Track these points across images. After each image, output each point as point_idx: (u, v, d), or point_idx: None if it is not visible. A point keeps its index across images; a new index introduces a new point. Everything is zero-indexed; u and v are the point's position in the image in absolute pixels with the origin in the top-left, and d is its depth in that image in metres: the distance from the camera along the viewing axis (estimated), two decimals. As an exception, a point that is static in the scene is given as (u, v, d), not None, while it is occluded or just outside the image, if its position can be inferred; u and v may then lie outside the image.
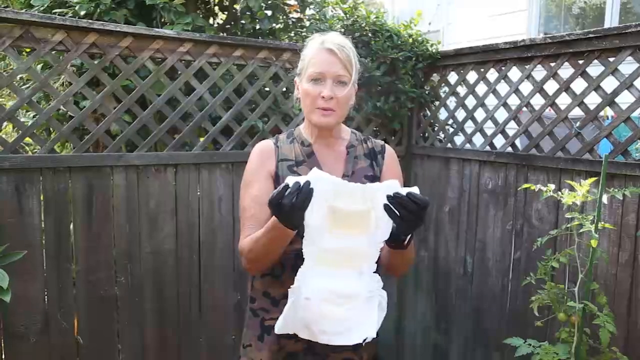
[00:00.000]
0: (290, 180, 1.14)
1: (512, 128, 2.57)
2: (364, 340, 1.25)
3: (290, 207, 1.12)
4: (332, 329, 1.24)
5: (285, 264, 1.38)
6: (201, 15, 2.79)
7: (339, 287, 1.22)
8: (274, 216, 1.20)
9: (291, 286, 1.24)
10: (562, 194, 1.79)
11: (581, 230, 1.73)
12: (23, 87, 2.42)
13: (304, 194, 1.13)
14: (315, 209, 1.16)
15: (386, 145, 1.55)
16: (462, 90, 2.88)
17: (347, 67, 1.37)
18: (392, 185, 1.17)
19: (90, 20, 2.12)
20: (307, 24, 3.12)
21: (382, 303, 1.28)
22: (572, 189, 1.80)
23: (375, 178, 1.47)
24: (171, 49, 2.26)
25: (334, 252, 1.22)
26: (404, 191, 1.16)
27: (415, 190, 1.17)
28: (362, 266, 1.24)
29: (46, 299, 2.08)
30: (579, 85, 2.27)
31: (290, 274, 1.32)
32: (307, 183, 1.14)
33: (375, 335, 1.26)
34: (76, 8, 2.40)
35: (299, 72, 1.44)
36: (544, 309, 1.97)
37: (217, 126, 2.43)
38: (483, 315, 2.69)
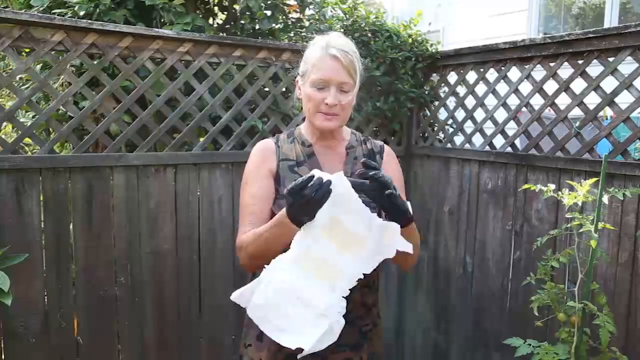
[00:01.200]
0: (316, 173, 1.14)
1: (511, 128, 2.58)
2: (299, 350, 1.17)
3: (309, 199, 1.13)
4: (274, 321, 1.21)
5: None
6: (201, 16, 2.79)
7: (303, 290, 1.20)
8: (281, 211, 1.20)
9: (266, 266, 1.21)
10: (562, 194, 1.79)
11: (581, 230, 1.73)
12: (22, 87, 2.42)
13: (324, 190, 1.13)
14: (324, 210, 1.16)
15: (385, 145, 1.56)
16: (461, 90, 2.88)
17: (351, 74, 1.37)
18: (395, 227, 1.19)
19: (89, 21, 2.12)
20: (307, 24, 3.12)
21: (335, 328, 1.20)
22: (572, 189, 1.80)
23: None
24: (171, 49, 2.26)
25: (318, 260, 1.20)
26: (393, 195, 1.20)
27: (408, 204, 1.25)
28: (337, 284, 1.21)
29: (46, 299, 2.07)
30: (578, 85, 2.27)
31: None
32: (329, 182, 1.14)
33: (307, 350, 1.16)
34: (75, 8, 2.39)
35: (302, 74, 1.43)
36: (544, 309, 1.96)
37: (217, 126, 2.42)
38: (483, 315, 2.69)
